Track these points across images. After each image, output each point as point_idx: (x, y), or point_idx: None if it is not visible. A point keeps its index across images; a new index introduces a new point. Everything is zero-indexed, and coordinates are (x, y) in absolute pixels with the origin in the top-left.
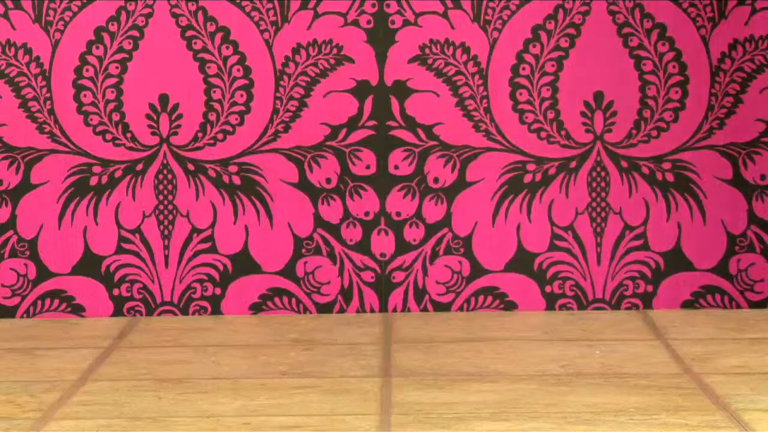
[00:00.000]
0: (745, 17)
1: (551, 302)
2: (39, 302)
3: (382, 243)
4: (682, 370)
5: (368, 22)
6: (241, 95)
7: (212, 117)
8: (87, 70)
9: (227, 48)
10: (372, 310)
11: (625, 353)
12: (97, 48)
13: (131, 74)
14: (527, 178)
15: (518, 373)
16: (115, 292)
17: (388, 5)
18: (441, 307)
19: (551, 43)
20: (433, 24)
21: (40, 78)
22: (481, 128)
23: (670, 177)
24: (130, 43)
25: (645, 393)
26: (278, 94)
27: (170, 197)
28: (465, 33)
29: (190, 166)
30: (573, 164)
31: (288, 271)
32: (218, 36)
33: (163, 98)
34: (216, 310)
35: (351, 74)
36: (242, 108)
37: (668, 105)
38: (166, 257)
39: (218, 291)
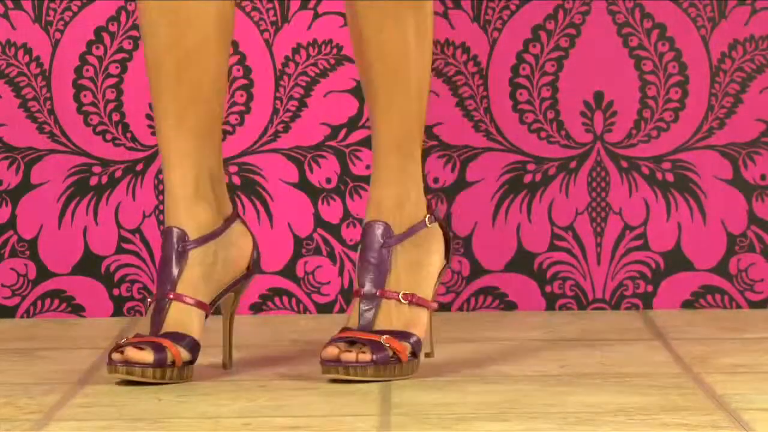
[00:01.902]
0: (745, 17)
1: (551, 302)
2: (39, 302)
3: None
4: (682, 370)
5: None
6: (241, 95)
7: None
8: (87, 70)
9: None
10: None
11: (625, 353)
12: (97, 48)
13: (131, 74)
14: (527, 178)
15: (518, 374)
16: (115, 292)
17: None
18: (441, 307)
19: (551, 43)
20: None
21: (40, 78)
22: (481, 128)
23: (670, 177)
24: (130, 43)
25: (645, 393)
26: (278, 94)
27: None
28: (465, 33)
29: None
30: (573, 164)
31: (288, 271)
32: None
33: None
34: (216, 310)
35: (351, 74)
36: (242, 108)
37: (668, 105)
38: None
39: None
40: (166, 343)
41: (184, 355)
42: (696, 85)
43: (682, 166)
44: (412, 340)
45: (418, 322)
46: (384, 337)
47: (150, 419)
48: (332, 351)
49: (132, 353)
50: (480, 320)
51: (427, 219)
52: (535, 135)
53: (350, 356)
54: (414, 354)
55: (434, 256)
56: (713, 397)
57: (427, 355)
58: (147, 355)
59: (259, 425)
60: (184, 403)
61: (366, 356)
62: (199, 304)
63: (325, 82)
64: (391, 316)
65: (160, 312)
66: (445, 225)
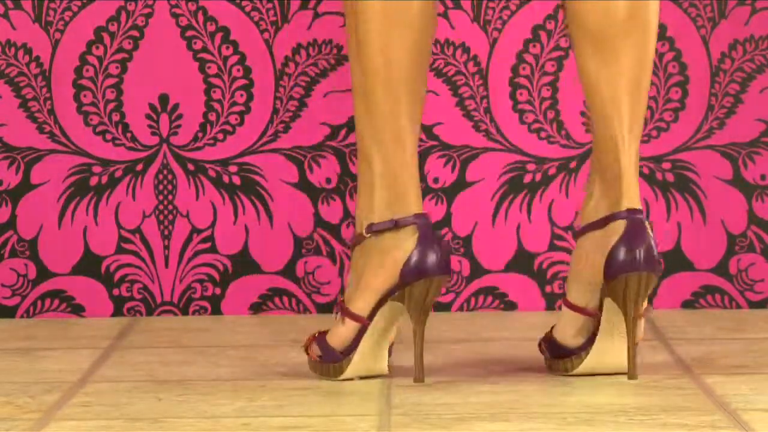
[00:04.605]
0: (745, 17)
1: (551, 302)
2: (39, 302)
3: None
4: (682, 370)
5: None
6: (241, 95)
7: (212, 117)
8: (87, 70)
9: (227, 48)
10: None
11: (625, 354)
12: (97, 48)
13: (131, 74)
14: (527, 178)
15: (518, 374)
16: (115, 292)
17: None
18: (441, 307)
19: (551, 43)
20: None
21: (40, 78)
22: (481, 128)
23: (670, 177)
24: (130, 43)
25: (645, 393)
26: (278, 94)
27: (170, 197)
28: (465, 33)
29: (190, 166)
30: (573, 164)
31: (288, 271)
32: (218, 36)
33: (163, 98)
34: (216, 310)
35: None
36: (242, 108)
37: (668, 105)
38: (166, 257)
39: (218, 291)
40: (309, 338)
41: (314, 349)
42: (696, 85)
43: (682, 166)
44: (319, 343)
45: (335, 330)
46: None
47: (150, 419)
48: None
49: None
50: (480, 320)
51: (364, 230)
52: (535, 135)
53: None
54: (324, 358)
55: (371, 270)
56: (713, 397)
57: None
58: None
59: (259, 425)
60: (183, 403)
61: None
62: (349, 315)
63: (325, 82)
64: None
65: None
66: (424, 243)
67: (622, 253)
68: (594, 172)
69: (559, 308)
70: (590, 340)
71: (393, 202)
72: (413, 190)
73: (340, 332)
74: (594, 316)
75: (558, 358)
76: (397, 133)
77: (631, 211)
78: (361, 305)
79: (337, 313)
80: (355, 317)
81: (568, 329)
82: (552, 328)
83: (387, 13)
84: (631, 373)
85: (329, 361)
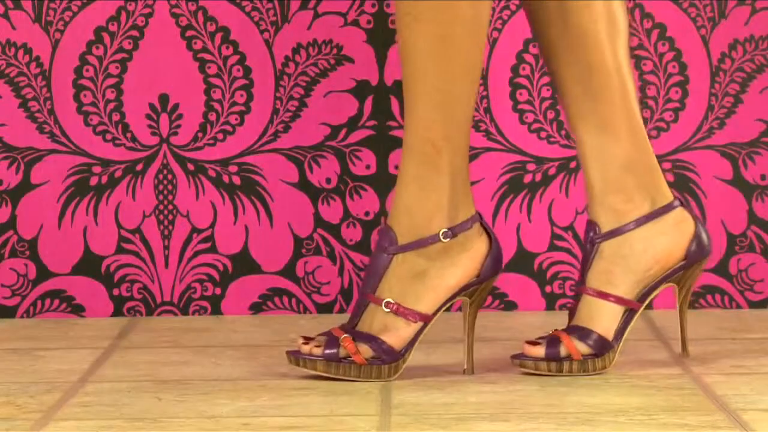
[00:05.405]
0: (745, 17)
1: (551, 302)
2: (39, 302)
3: None
4: (682, 370)
5: (368, 22)
6: (241, 95)
7: (212, 117)
8: (87, 70)
9: (227, 48)
10: None
11: (625, 353)
12: (97, 48)
13: (131, 74)
14: (527, 178)
15: (518, 374)
16: (115, 292)
17: (387, 5)
18: None
19: None
20: None
21: (40, 78)
22: (481, 128)
23: (669, 177)
24: (130, 43)
25: (645, 393)
26: (278, 94)
27: (170, 197)
28: None
29: (190, 166)
30: (573, 164)
31: (288, 271)
32: (218, 36)
33: (163, 98)
34: (216, 310)
35: (351, 74)
36: (242, 108)
37: (668, 105)
38: (166, 257)
39: (218, 291)
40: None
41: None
42: (696, 85)
43: (682, 166)
44: (373, 344)
45: (393, 331)
46: (342, 336)
47: (150, 419)
48: (299, 342)
49: (305, 348)
50: (480, 320)
51: (441, 234)
52: (535, 135)
53: (305, 348)
54: (380, 359)
55: (440, 271)
56: (713, 397)
57: (464, 371)
58: (317, 350)
59: (259, 425)
60: (183, 403)
61: (317, 350)
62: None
63: (325, 82)
64: (372, 320)
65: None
66: (491, 242)
67: (705, 237)
68: (625, 176)
69: (560, 308)
70: (618, 333)
71: (459, 202)
72: (469, 186)
73: (402, 333)
74: (637, 308)
75: (600, 355)
76: (468, 126)
77: (679, 198)
78: (426, 304)
79: (358, 315)
80: (422, 316)
81: (613, 324)
82: (567, 331)
83: (478, 18)
84: (687, 351)
85: (391, 362)
